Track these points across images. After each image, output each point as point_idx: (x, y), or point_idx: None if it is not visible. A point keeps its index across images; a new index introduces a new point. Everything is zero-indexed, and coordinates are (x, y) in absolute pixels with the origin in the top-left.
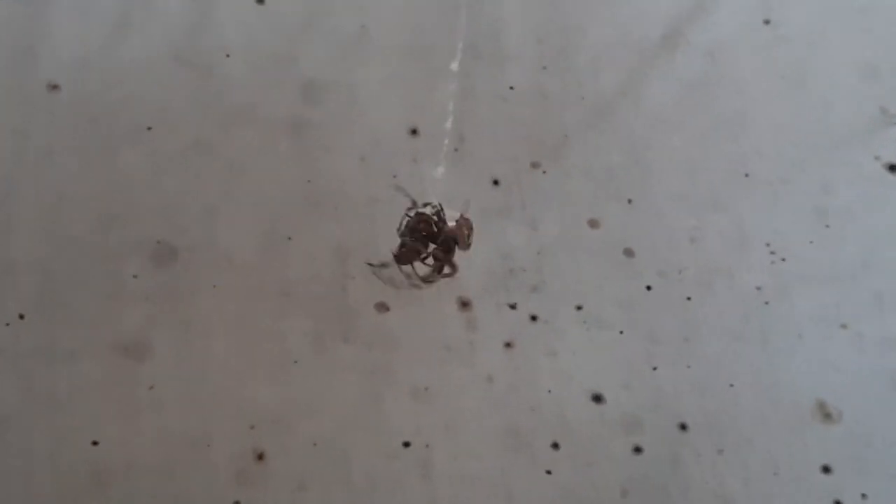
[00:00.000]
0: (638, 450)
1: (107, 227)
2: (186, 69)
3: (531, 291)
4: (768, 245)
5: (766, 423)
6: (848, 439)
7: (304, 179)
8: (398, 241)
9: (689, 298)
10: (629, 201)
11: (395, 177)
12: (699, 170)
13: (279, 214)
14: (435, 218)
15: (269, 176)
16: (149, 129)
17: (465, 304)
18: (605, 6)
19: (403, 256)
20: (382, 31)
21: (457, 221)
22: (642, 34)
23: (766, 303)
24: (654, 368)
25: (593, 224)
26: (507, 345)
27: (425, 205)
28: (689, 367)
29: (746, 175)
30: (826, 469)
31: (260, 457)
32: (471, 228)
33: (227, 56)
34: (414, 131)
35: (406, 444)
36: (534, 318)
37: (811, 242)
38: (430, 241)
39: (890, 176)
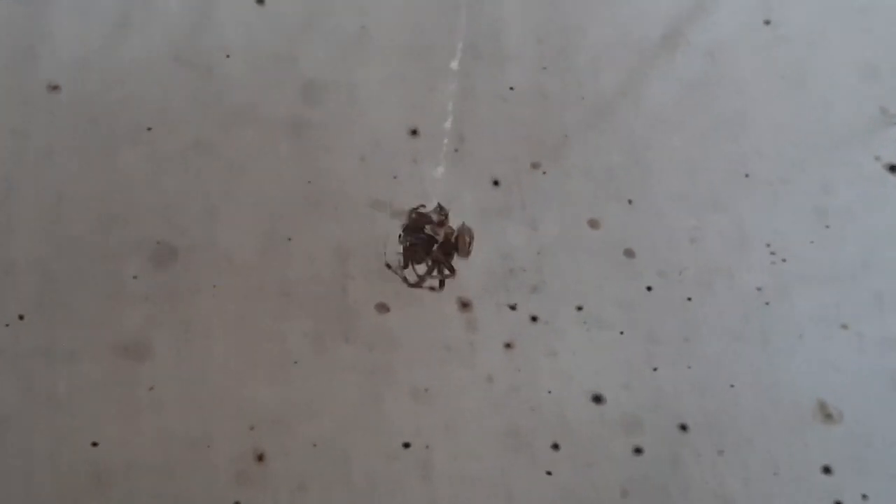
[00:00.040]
0: (638, 450)
1: (107, 227)
2: (186, 69)
3: (531, 292)
4: (768, 245)
5: (767, 424)
6: (848, 439)
7: (304, 179)
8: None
9: (689, 299)
10: (629, 201)
11: (395, 177)
12: (699, 170)
13: (279, 214)
14: (442, 218)
15: (269, 176)
16: (149, 129)
17: (465, 305)
18: (605, 6)
19: (406, 254)
20: (382, 32)
21: (458, 228)
22: (642, 34)
23: (767, 303)
24: (655, 369)
25: (593, 224)
26: (508, 345)
27: (421, 206)
28: (689, 367)
29: (746, 175)
30: (826, 469)
31: (260, 457)
32: (472, 237)
33: (227, 56)
34: (414, 131)
35: (406, 445)
36: (534, 318)
37: (811, 243)
38: (432, 242)
39: (890, 176)
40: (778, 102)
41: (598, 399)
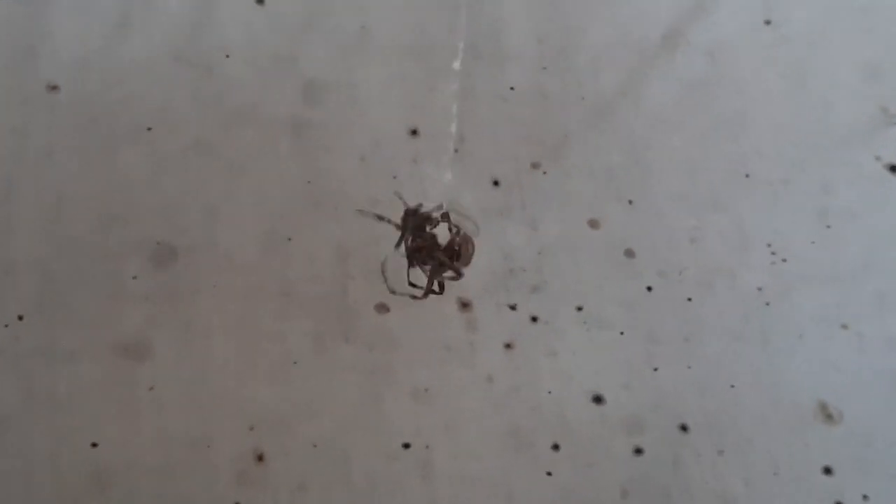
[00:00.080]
0: (638, 450)
1: (107, 227)
2: (186, 69)
3: (531, 292)
4: (769, 245)
5: (767, 424)
6: (849, 440)
7: (304, 180)
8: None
9: (689, 299)
10: (629, 202)
11: (395, 177)
12: (699, 170)
13: (279, 214)
14: (442, 217)
15: (269, 176)
16: (149, 129)
17: (465, 305)
18: (606, 6)
19: (411, 256)
20: (383, 32)
21: (462, 236)
22: (642, 34)
23: (767, 303)
24: (655, 369)
25: (593, 224)
26: (508, 345)
27: (419, 205)
28: (689, 367)
29: (747, 175)
30: (827, 470)
31: (260, 457)
32: (474, 248)
33: (227, 56)
34: (414, 132)
35: (406, 445)
36: (534, 318)
37: (812, 243)
38: (435, 243)
39: (891, 176)
40: (778, 102)
41: (598, 399)
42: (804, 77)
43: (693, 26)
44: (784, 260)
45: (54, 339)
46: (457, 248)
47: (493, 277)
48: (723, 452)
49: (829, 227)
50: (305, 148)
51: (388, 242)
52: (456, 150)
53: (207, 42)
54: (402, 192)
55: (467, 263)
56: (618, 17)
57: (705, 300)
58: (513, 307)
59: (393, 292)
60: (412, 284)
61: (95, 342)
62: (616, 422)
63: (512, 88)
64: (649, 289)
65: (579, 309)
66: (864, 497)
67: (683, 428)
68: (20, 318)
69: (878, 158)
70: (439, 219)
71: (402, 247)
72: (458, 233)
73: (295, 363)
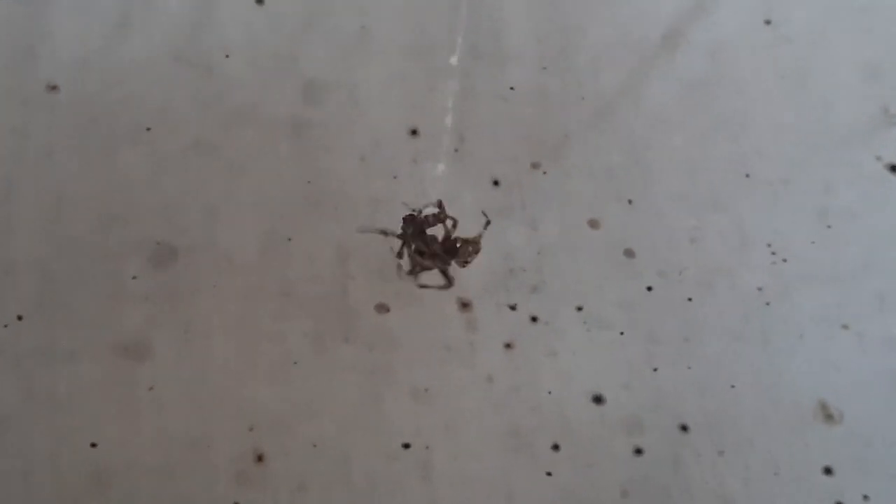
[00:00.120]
0: (638, 451)
1: (107, 227)
2: (186, 69)
3: (531, 292)
4: (769, 245)
5: (767, 424)
6: (849, 440)
7: (304, 179)
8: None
9: (689, 299)
10: (629, 201)
11: (395, 177)
12: (699, 170)
13: (279, 214)
14: (442, 214)
15: (269, 176)
16: (149, 129)
17: (465, 305)
18: (606, 6)
19: (414, 259)
20: (382, 32)
21: (466, 239)
22: (642, 34)
23: (767, 303)
24: (655, 369)
25: (593, 224)
26: (508, 345)
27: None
28: (689, 367)
29: (747, 175)
30: (827, 470)
31: (260, 458)
32: (477, 251)
33: (227, 56)
34: (414, 131)
35: (406, 445)
36: (534, 318)
37: (812, 243)
38: (434, 242)
39: (891, 176)
40: (779, 102)
41: (598, 399)
42: (804, 77)
43: (693, 26)
44: (784, 260)
45: (54, 339)
46: (457, 245)
47: (493, 277)
48: (723, 452)
49: (829, 226)
50: (305, 148)
51: (388, 242)
52: (456, 150)
53: (207, 42)
54: (402, 192)
55: (465, 264)
56: (618, 17)
57: (705, 300)
58: (513, 307)
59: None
60: (423, 286)
61: (95, 342)
62: (616, 422)
63: (512, 88)
64: (649, 289)
65: (579, 309)
66: (865, 497)
67: (683, 428)
68: (20, 317)
69: (878, 158)
70: (438, 218)
71: (404, 254)
72: (454, 225)
73: (295, 363)
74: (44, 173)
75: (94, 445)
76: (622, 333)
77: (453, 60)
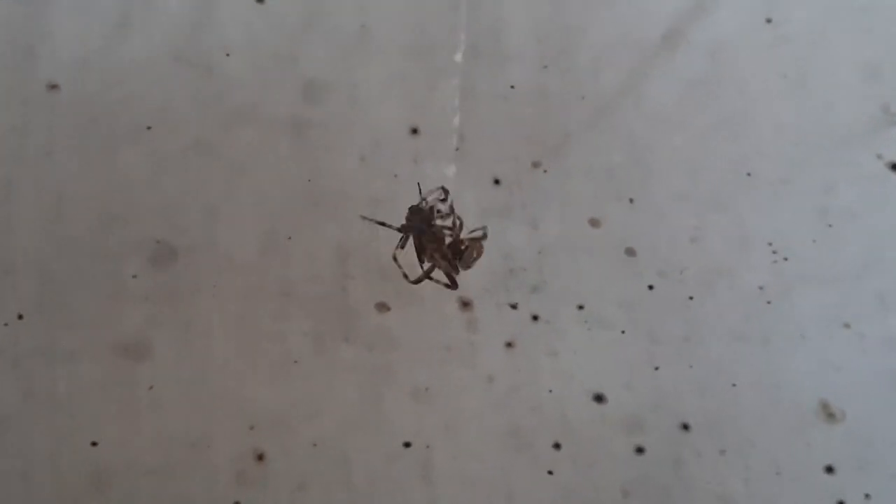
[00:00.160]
0: (640, 450)
1: (107, 227)
2: (186, 69)
3: (532, 291)
4: (770, 244)
5: (769, 424)
6: (851, 439)
7: (304, 179)
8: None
9: (690, 298)
10: (630, 201)
11: (395, 176)
12: (700, 169)
13: (279, 214)
14: (448, 206)
15: (269, 176)
16: (149, 128)
17: (465, 305)
18: (606, 5)
19: (419, 249)
20: (383, 31)
21: (471, 242)
22: (643, 33)
23: (768, 302)
24: (656, 368)
25: (594, 223)
26: (508, 345)
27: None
28: (690, 366)
29: (748, 174)
30: (829, 469)
31: (260, 457)
32: (480, 254)
33: (228, 56)
34: (415, 130)
35: (406, 445)
36: (535, 317)
37: (813, 242)
38: (441, 239)
39: (892, 175)
40: (779, 101)
41: (599, 398)
42: (805, 76)
43: (693, 25)
44: (785, 259)
45: (54, 339)
46: (462, 248)
47: (494, 277)
48: (724, 452)
49: (830, 226)
50: (305, 148)
51: (388, 242)
52: (457, 149)
53: (207, 42)
54: (402, 191)
55: (468, 266)
56: (618, 16)
57: (706, 299)
58: (513, 306)
59: (411, 280)
60: (430, 278)
61: (95, 342)
62: (617, 421)
63: (512, 87)
64: (650, 288)
65: (580, 308)
66: (867, 496)
67: (684, 427)
68: (20, 317)
69: (879, 157)
70: (444, 209)
71: (407, 245)
72: (461, 226)
73: (295, 363)
74: (44, 173)
75: (94, 445)
76: (623, 332)
77: (457, 57)
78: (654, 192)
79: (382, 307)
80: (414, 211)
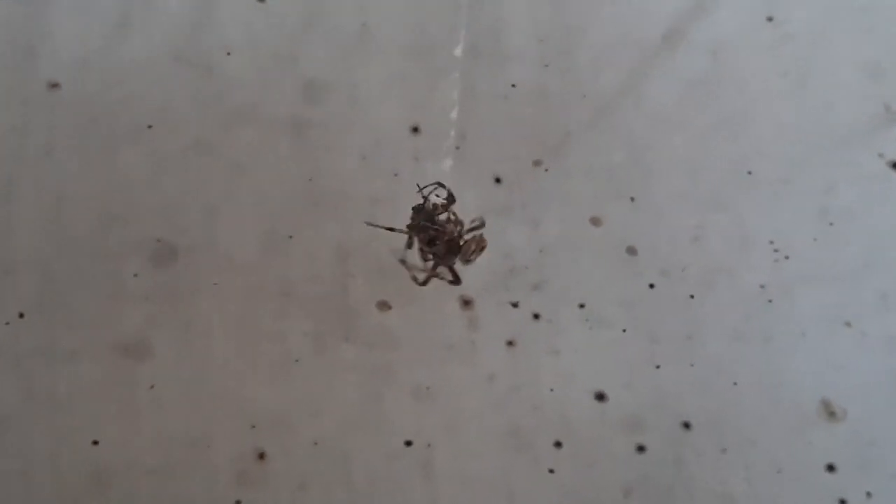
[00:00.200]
0: (641, 449)
1: (107, 227)
2: (187, 69)
3: (533, 290)
4: (771, 243)
5: (770, 422)
6: (852, 438)
7: (304, 179)
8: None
9: (691, 297)
10: (631, 199)
11: (396, 175)
12: (701, 168)
13: (280, 214)
14: (449, 203)
15: (269, 175)
16: (149, 128)
17: (466, 303)
18: (607, 5)
19: (422, 246)
20: (383, 30)
21: (473, 238)
22: (643, 33)
23: (770, 301)
24: (657, 367)
25: (595, 222)
26: (509, 343)
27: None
28: (691, 365)
29: (749, 173)
30: (830, 468)
31: (261, 457)
32: (482, 249)
33: (228, 55)
34: (415, 129)
35: (407, 444)
36: (536, 316)
37: (814, 241)
38: (442, 236)
39: (893, 174)
40: (780, 101)
41: (600, 397)
42: (805, 75)
43: (694, 25)
44: (786, 258)
45: (54, 339)
46: (462, 243)
47: (495, 275)
48: (725, 451)
49: (831, 224)
50: (305, 147)
51: (388, 241)
52: (457, 148)
53: (207, 42)
54: (403, 191)
55: (468, 261)
56: (619, 15)
57: (707, 298)
58: (514, 305)
59: (419, 282)
60: (436, 276)
61: (95, 342)
62: (618, 420)
63: (513, 87)
64: (651, 287)
65: (581, 307)
66: (868, 495)
67: (686, 426)
68: (21, 316)
69: (880, 156)
70: (444, 207)
71: (414, 245)
72: (462, 225)
73: (295, 362)
74: (44, 173)
75: (94, 444)
76: (624, 331)
77: (457, 52)
78: (654, 192)
79: (383, 306)
80: (417, 210)
